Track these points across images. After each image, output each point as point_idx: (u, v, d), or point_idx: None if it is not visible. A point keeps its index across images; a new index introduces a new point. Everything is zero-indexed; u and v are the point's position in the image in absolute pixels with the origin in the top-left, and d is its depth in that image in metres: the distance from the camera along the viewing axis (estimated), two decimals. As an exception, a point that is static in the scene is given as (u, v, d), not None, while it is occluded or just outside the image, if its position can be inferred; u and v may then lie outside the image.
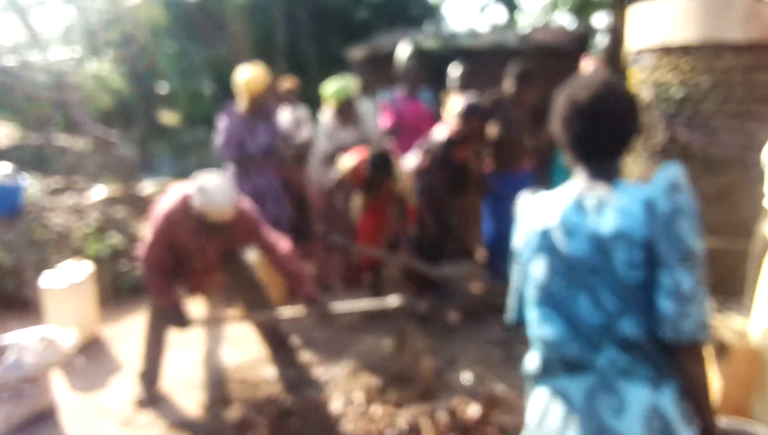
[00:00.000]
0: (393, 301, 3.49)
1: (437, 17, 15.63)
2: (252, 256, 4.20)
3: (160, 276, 3.30)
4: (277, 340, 3.85)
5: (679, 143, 4.96)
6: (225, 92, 10.86)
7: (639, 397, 1.38)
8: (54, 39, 10.39)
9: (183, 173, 9.86)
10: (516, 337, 3.87)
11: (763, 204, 3.03)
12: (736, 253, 3.78)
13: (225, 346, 4.14)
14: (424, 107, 5.54)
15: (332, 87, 4.92)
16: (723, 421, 2.06)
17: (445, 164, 4.33)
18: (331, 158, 4.85)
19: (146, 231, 3.43)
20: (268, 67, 4.83)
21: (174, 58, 12.34)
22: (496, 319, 4.24)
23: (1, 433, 3.07)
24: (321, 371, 3.69)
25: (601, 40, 11.71)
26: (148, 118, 12.82)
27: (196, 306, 4.65)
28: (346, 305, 3.65)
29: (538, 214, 1.54)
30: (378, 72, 6.90)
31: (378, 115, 5.57)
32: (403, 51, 6.14)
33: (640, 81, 5.32)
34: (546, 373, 1.54)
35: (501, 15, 15.30)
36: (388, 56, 6.87)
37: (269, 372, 3.70)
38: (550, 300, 1.50)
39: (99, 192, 6.21)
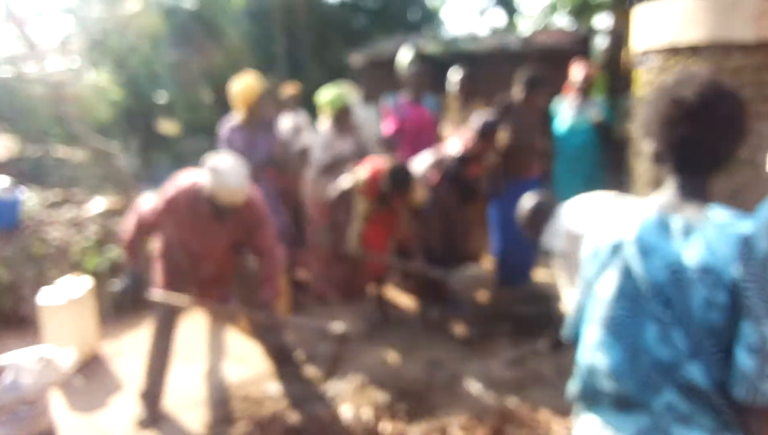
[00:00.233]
0: (338, 326, 3.45)
1: (436, 22, 15.58)
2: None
3: (138, 233, 3.34)
4: (281, 355, 3.76)
5: (688, 145, 4.88)
6: (224, 101, 10.81)
7: None
8: (52, 50, 10.33)
9: (183, 183, 9.84)
10: (530, 350, 3.77)
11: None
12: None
13: (228, 362, 4.04)
14: (428, 113, 5.45)
15: (328, 95, 4.82)
16: None
17: (457, 181, 4.24)
18: (329, 168, 4.77)
19: (154, 199, 3.43)
20: (268, 74, 4.76)
21: (173, 67, 12.28)
22: (507, 330, 4.16)
23: (-1, 458, 2.97)
24: (327, 386, 3.59)
25: (601, 42, 11.63)
26: (148, 128, 12.74)
27: (197, 318, 4.56)
28: (291, 321, 3.55)
29: (611, 224, 1.37)
30: (379, 78, 6.84)
31: (380, 122, 5.48)
32: (404, 56, 6.06)
33: (647, 82, 5.23)
34: (591, 402, 1.39)
35: (500, 18, 15.19)
36: (389, 62, 6.80)
37: (274, 388, 3.60)
38: (612, 325, 1.33)
39: (98, 204, 6.12)
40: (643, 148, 1.41)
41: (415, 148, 4.88)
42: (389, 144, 5.23)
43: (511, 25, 14.72)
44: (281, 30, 12.01)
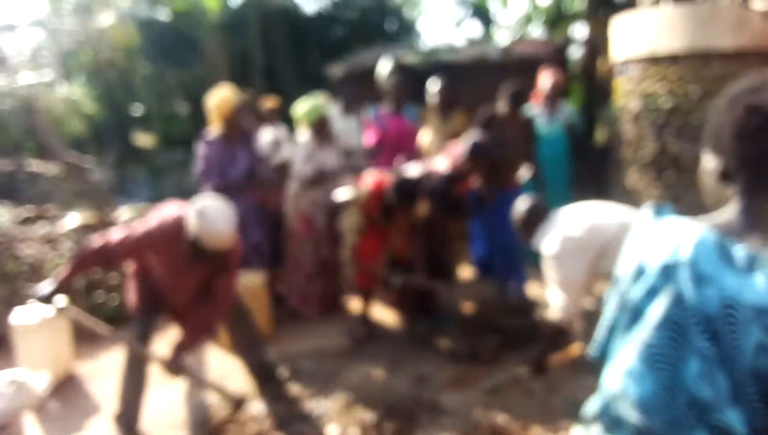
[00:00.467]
0: (238, 393, 3.43)
1: (413, 33, 15.63)
2: (247, 278, 4.06)
3: (96, 263, 3.17)
4: (264, 373, 3.66)
5: (669, 154, 4.88)
6: (201, 113, 10.69)
7: None
8: (23, 63, 10.12)
9: (159, 197, 9.66)
10: (510, 377, 3.70)
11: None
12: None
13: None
14: (409, 123, 5.42)
15: (303, 107, 4.75)
16: None
17: (444, 199, 4.19)
18: (314, 181, 4.69)
19: (127, 228, 3.25)
20: (246, 87, 4.69)
21: (148, 79, 12.15)
22: (494, 343, 4.10)
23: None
24: (312, 405, 3.49)
25: (576, 52, 11.75)
26: (123, 141, 12.57)
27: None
28: (198, 377, 3.44)
29: (659, 242, 1.22)
30: (359, 89, 6.79)
31: (361, 133, 5.43)
32: (383, 67, 6.02)
33: (627, 92, 5.25)
34: (611, 427, 1.28)
35: (477, 29, 15.25)
36: (369, 73, 6.77)
37: (257, 408, 3.49)
38: (650, 354, 1.19)
39: (72, 220, 5.96)
40: (706, 164, 1.28)
41: (396, 159, 4.84)
42: (371, 155, 5.18)
43: (487, 36, 14.82)
44: (259, 42, 11.93)
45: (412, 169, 4.25)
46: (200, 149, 4.49)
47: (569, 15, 12.61)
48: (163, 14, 12.28)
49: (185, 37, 11.83)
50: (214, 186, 4.45)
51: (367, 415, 3.30)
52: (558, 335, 3.28)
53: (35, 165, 9.29)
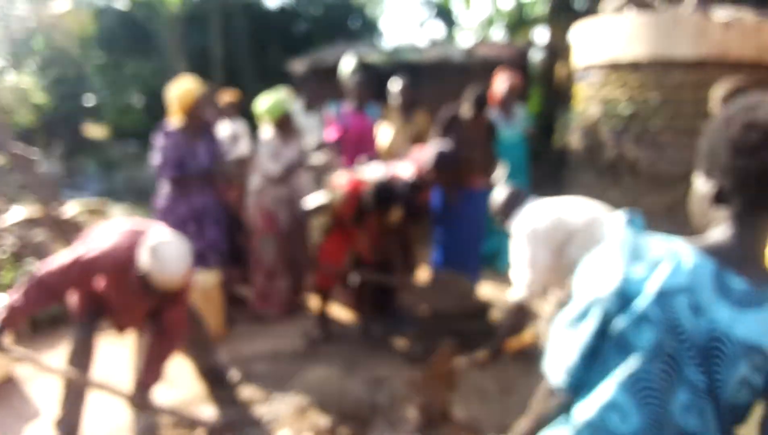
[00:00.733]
0: (208, 413, 3.30)
1: (376, 32, 15.56)
2: (201, 277, 3.92)
3: (33, 303, 2.82)
4: (215, 376, 3.53)
5: (627, 160, 4.93)
6: (156, 105, 10.40)
7: None
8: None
9: (111, 191, 9.39)
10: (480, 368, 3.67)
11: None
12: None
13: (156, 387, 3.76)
14: (371, 122, 5.36)
15: (265, 103, 4.63)
16: None
17: (407, 205, 4.13)
18: (281, 179, 4.59)
19: (68, 253, 3.02)
20: (205, 80, 4.55)
21: (102, 69, 11.77)
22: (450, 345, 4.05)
23: None
24: (265, 410, 3.38)
25: (536, 56, 11.87)
26: (74, 133, 12.15)
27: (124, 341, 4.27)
28: (162, 406, 3.30)
29: (649, 264, 1.14)
30: (321, 85, 6.69)
31: (322, 130, 5.35)
32: (347, 65, 5.94)
33: (588, 97, 5.29)
34: None
35: (439, 30, 15.28)
36: (332, 69, 6.67)
37: (207, 412, 3.36)
38: (638, 388, 1.12)
39: (16, 214, 5.70)
40: (698, 188, 1.22)
41: (357, 156, 4.81)
42: (331, 152, 5.10)
43: (450, 37, 14.87)
44: (219, 35, 11.69)
45: (377, 171, 4.19)
46: (159, 140, 4.33)
47: (530, 20, 12.75)
48: (121, 3, 11.92)
49: (143, 28, 11.50)
50: (171, 178, 4.33)
51: (322, 420, 3.21)
52: (519, 317, 3.40)
53: (-21, 156, 8.91)
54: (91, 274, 2.88)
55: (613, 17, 4.89)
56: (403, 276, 4.42)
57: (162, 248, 2.72)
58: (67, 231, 5.50)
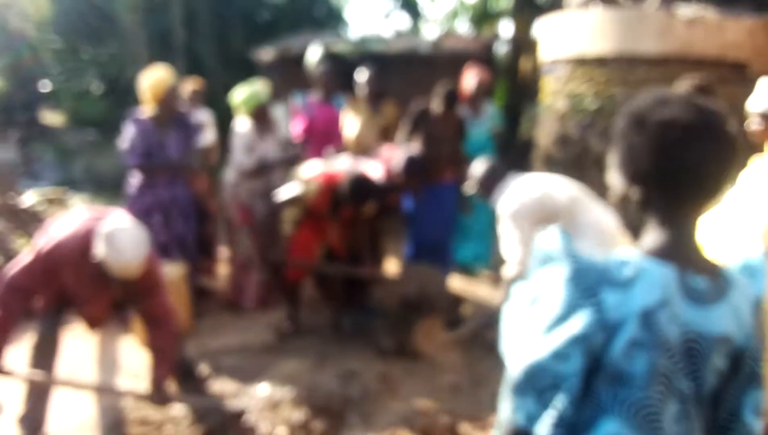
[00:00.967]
0: (235, 406, 3.25)
1: (341, 21, 15.44)
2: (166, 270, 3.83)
3: (12, 309, 2.80)
4: (183, 369, 3.47)
5: (592, 154, 5.01)
6: (116, 92, 10.14)
7: None
8: None
9: (69, 180, 9.12)
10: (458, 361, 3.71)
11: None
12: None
13: (121, 379, 3.68)
14: (338, 113, 5.30)
15: (241, 94, 4.56)
16: None
17: (378, 201, 4.11)
18: (256, 172, 4.54)
19: (30, 250, 2.96)
20: (166, 67, 4.45)
21: (59, 54, 11.39)
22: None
23: None
24: (235, 404, 3.34)
25: (501, 49, 11.96)
26: (30, 120, 11.77)
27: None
28: (190, 399, 3.26)
29: (622, 286, 1.08)
30: (287, 75, 6.62)
31: (289, 120, 5.28)
32: (313, 54, 5.88)
33: (554, 91, 5.35)
34: None
35: (404, 22, 15.25)
36: (298, 59, 6.60)
37: (175, 408, 3.31)
38: (644, 414, 1.06)
39: (-30, 203, 5.50)
40: (631, 195, 1.16)
41: (323, 148, 4.78)
42: (298, 143, 5.05)
43: (415, 29, 14.86)
44: (180, 20, 11.42)
45: (347, 163, 4.16)
46: (128, 127, 4.24)
47: (494, 13, 12.82)
48: (79, -15, 11.55)
49: (101, 11, 11.15)
50: (136, 166, 4.28)
51: (295, 415, 3.19)
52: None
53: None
54: (54, 265, 2.82)
55: (579, 12, 4.95)
56: (372, 268, 4.41)
57: (117, 235, 2.67)
58: (26, 221, 5.34)
